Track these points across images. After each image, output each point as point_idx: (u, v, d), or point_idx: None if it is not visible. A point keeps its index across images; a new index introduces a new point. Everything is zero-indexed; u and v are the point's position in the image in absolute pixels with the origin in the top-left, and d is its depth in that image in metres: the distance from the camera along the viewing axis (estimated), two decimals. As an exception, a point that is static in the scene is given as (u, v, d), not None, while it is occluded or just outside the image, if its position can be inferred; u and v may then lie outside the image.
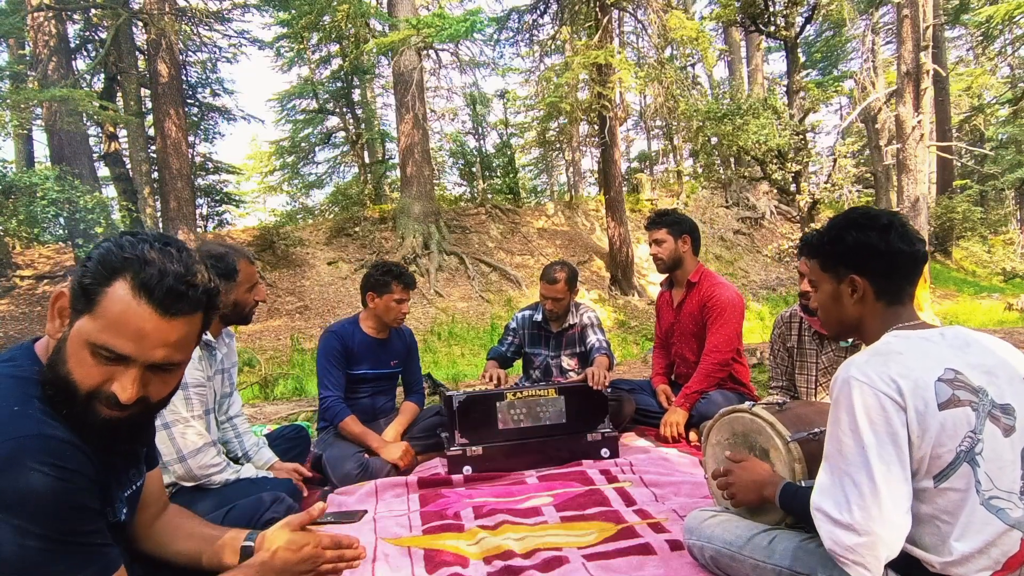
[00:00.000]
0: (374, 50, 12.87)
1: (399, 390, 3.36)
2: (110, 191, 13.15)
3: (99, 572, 0.97)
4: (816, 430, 1.60)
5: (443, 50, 13.45)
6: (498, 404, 2.78)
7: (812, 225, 10.12)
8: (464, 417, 2.75)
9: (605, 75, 11.52)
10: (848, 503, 1.14)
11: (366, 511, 2.32)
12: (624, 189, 14.32)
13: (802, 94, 12.07)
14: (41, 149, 15.36)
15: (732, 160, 17.03)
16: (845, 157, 11.26)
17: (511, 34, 13.66)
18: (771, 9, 11.56)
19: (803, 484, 1.48)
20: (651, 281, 14.24)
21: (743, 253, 16.29)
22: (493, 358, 3.56)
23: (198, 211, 14.81)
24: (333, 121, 18.31)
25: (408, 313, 3.06)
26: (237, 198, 19.91)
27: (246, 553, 1.29)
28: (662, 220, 3.27)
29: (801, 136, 10.56)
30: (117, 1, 11.27)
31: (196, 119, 15.42)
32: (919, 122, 8.71)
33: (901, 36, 8.95)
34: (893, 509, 1.11)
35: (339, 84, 16.87)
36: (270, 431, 3.00)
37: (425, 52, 13.04)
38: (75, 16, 12.58)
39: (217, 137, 17.46)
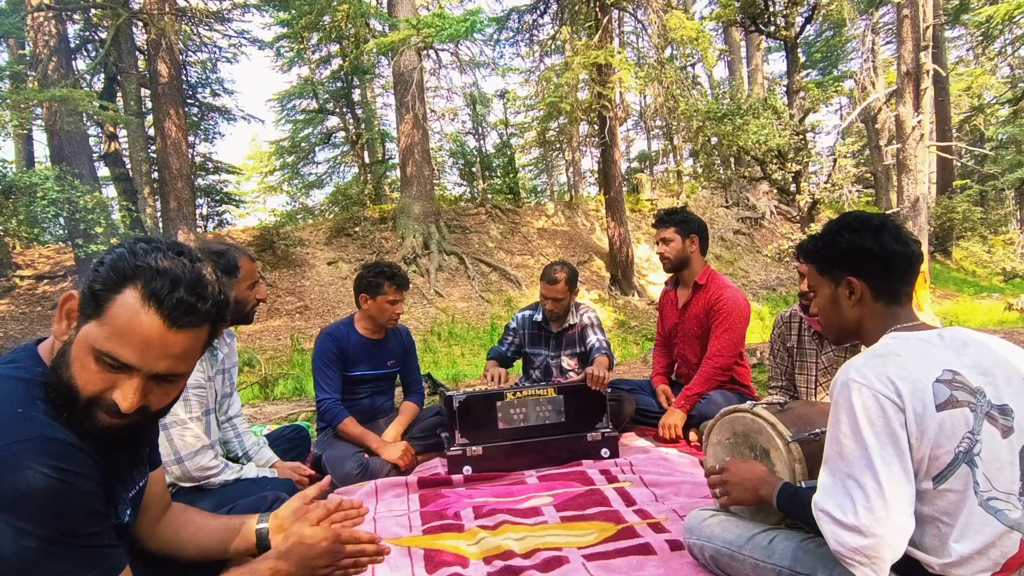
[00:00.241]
0: (374, 50, 12.87)
1: (398, 390, 3.36)
2: (110, 191, 13.16)
3: (104, 574, 0.97)
4: (817, 431, 1.60)
5: (443, 50, 13.46)
6: (498, 404, 2.79)
7: (812, 225, 10.13)
8: (464, 417, 2.75)
9: (605, 75, 11.53)
10: (853, 505, 1.14)
11: (366, 511, 2.32)
12: (624, 189, 14.32)
13: (802, 94, 12.08)
14: (41, 149, 15.37)
15: (732, 160, 17.04)
16: (845, 157, 11.25)
17: (511, 34, 13.67)
18: (771, 9, 11.57)
19: (802, 485, 1.48)
20: (651, 281, 14.24)
21: (743, 253, 16.29)
22: (493, 358, 3.56)
23: (198, 211, 14.80)
24: (333, 121, 18.33)
25: (402, 313, 3.05)
26: (237, 198, 19.90)
27: (261, 535, 1.30)
28: (670, 219, 3.24)
29: (801, 136, 10.57)
30: (117, 1, 11.27)
31: (196, 119, 15.42)
32: (919, 122, 8.71)
33: (901, 36, 8.95)
34: (898, 510, 1.12)
35: (339, 84, 16.87)
36: (270, 431, 3.00)
37: (425, 52, 13.05)
38: (75, 16, 12.58)
39: (217, 137, 17.47)
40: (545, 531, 2.06)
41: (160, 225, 12.20)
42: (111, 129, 12.45)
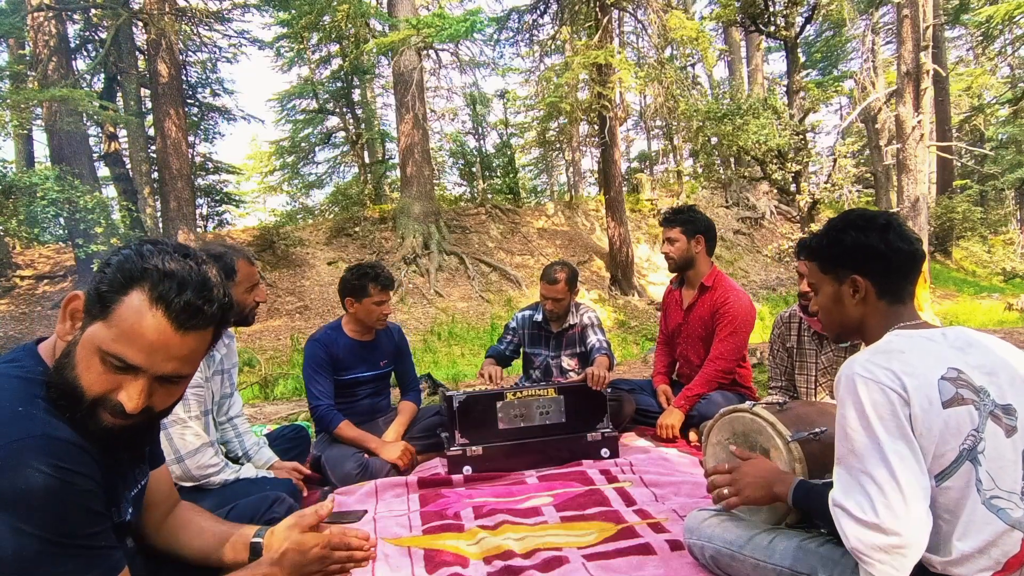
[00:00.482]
0: (374, 50, 12.88)
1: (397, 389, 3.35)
2: (110, 191, 13.18)
3: (103, 574, 0.97)
4: (817, 430, 1.60)
5: (443, 50, 13.46)
6: (498, 404, 2.78)
7: (812, 225, 10.13)
8: (464, 417, 2.75)
9: (605, 75, 11.52)
10: (871, 502, 1.11)
11: (366, 511, 2.32)
12: (624, 189, 14.32)
13: (802, 94, 12.08)
14: (41, 149, 15.36)
15: (732, 160, 17.04)
16: (845, 157, 11.26)
17: (511, 34, 13.67)
18: (771, 9, 11.57)
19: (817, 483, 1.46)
20: (651, 281, 14.24)
21: (743, 253, 16.29)
22: (491, 356, 3.54)
23: (198, 211, 14.81)
24: (333, 121, 18.33)
25: (390, 314, 3.00)
26: (237, 198, 19.91)
27: (255, 550, 1.30)
28: (676, 218, 3.20)
29: (801, 136, 10.57)
30: (117, 1, 11.27)
31: (196, 119, 15.42)
32: (919, 122, 8.71)
33: (901, 36, 8.95)
34: (916, 505, 1.10)
35: (339, 84, 16.87)
36: (270, 431, 3.00)
37: (425, 52, 13.05)
38: (75, 16, 12.59)
39: (217, 137, 17.48)
40: (545, 531, 2.06)
41: (160, 225, 12.21)
42: (111, 129, 12.45)
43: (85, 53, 13.69)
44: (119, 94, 13.04)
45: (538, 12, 13.27)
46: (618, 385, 3.43)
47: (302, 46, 15.60)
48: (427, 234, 13.03)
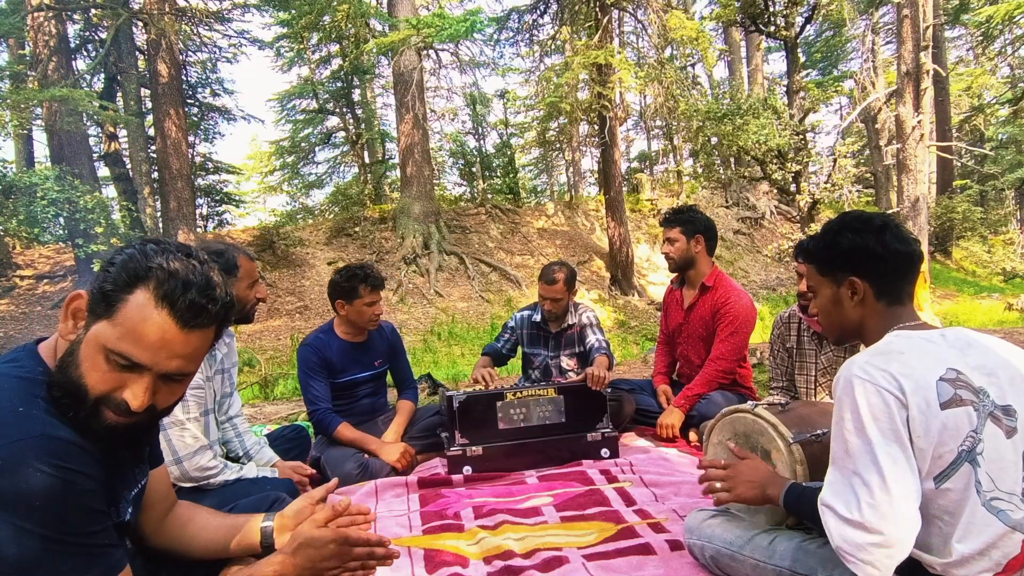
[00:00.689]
0: (374, 50, 12.87)
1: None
2: (110, 191, 13.18)
3: (104, 573, 0.97)
4: (819, 432, 1.59)
5: (443, 50, 13.46)
6: (498, 404, 2.78)
7: (812, 225, 10.12)
8: (464, 417, 2.75)
9: (605, 75, 11.52)
10: (858, 501, 1.12)
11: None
12: (624, 189, 14.32)
13: (802, 94, 12.08)
14: (41, 149, 15.38)
15: (732, 160, 17.04)
16: (845, 157, 11.25)
17: (511, 34, 13.66)
18: (771, 9, 11.57)
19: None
20: (651, 281, 14.24)
21: (743, 253, 16.29)
22: (488, 354, 3.53)
23: (198, 211, 14.81)
24: (333, 121, 18.33)
25: (381, 314, 2.99)
26: (237, 198, 19.90)
27: (266, 533, 1.30)
28: (676, 218, 3.20)
29: (801, 136, 10.56)
30: (117, 1, 11.27)
31: (196, 119, 15.42)
32: (919, 122, 8.70)
33: (901, 36, 8.95)
34: (904, 507, 1.10)
35: (339, 84, 16.87)
36: (270, 431, 3.00)
37: (425, 52, 13.05)
38: (75, 16, 12.58)
39: (217, 137, 17.47)
40: (545, 531, 2.06)
41: (160, 225, 12.21)
42: (111, 129, 12.45)
43: (85, 53, 13.70)
44: (119, 94, 13.04)
45: (538, 12, 13.27)
46: (618, 385, 3.43)
47: (302, 46, 15.60)
48: (427, 234, 13.03)
